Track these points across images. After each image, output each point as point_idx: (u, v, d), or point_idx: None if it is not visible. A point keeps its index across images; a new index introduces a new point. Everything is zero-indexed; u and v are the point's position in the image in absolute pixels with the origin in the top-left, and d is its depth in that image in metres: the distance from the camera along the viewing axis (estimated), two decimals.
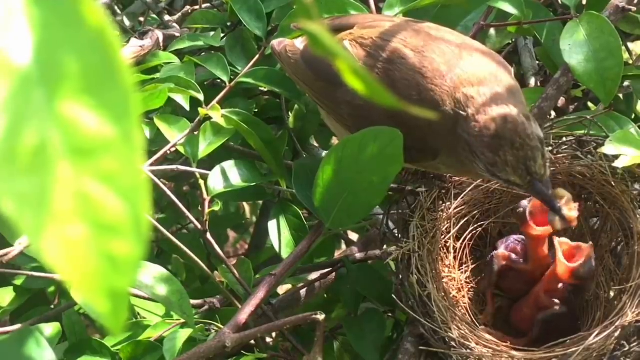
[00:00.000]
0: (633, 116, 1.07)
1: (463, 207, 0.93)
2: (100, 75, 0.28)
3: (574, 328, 0.86)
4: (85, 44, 0.28)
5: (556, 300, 0.88)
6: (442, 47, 0.80)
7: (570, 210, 0.78)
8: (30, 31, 0.28)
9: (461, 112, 0.76)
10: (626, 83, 1.04)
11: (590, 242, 0.87)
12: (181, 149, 0.92)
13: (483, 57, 0.81)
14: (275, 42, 0.91)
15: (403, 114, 0.71)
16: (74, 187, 0.27)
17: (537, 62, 1.07)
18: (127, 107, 0.28)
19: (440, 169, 0.84)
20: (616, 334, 0.80)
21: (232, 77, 0.99)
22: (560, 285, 0.88)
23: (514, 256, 0.90)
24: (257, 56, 0.99)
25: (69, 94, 0.28)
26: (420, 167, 0.87)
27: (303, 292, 0.98)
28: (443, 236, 0.90)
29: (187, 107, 0.94)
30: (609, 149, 0.83)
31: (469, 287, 0.93)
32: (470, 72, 0.78)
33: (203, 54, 1.07)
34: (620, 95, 1.08)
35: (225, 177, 0.91)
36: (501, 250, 0.91)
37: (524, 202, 0.87)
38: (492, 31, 1.04)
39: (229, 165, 0.92)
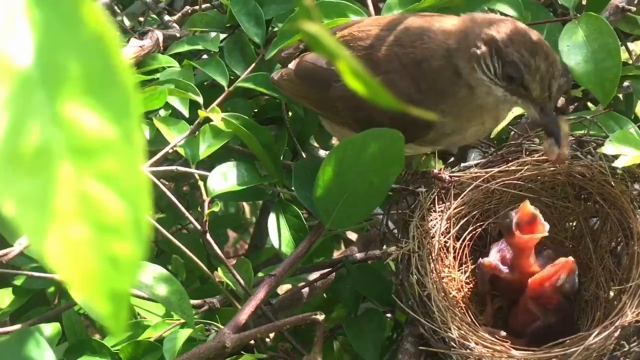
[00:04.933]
0: (633, 116, 1.07)
1: (463, 207, 0.92)
2: (101, 77, 0.28)
3: (570, 331, 0.86)
4: (86, 46, 0.28)
5: (546, 309, 0.88)
6: (413, 18, 0.84)
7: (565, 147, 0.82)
8: (32, 33, 0.28)
9: (453, 58, 0.79)
10: (626, 83, 1.04)
11: (571, 258, 0.87)
12: (181, 151, 0.92)
13: (455, 17, 0.84)
14: (273, 75, 0.95)
15: (391, 89, 0.74)
16: (76, 187, 0.27)
17: None
18: (127, 108, 0.28)
19: (446, 128, 0.83)
20: (616, 334, 0.80)
21: (231, 77, 0.99)
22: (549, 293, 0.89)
23: (501, 266, 0.90)
24: (255, 63, 1.00)
25: (70, 95, 0.28)
26: (429, 145, 0.88)
27: (303, 292, 0.98)
28: (443, 236, 0.90)
29: (185, 113, 0.94)
30: (608, 149, 0.83)
31: (469, 287, 0.93)
32: (446, 25, 0.82)
33: (204, 56, 1.07)
34: (620, 96, 1.08)
35: (225, 178, 0.92)
36: (487, 260, 0.91)
37: (512, 213, 0.87)
38: None
39: (229, 166, 0.93)
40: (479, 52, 0.78)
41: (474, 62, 0.79)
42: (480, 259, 0.92)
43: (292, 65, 0.92)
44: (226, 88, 0.98)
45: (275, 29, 1.01)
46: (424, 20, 0.84)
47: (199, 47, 1.04)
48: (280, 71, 0.94)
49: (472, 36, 0.79)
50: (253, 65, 1.00)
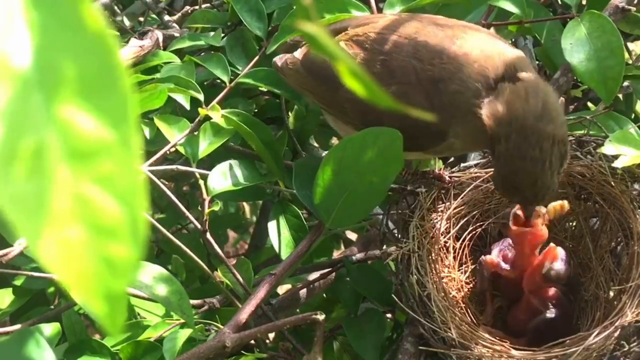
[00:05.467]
0: (633, 116, 1.07)
1: (463, 207, 0.93)
2: (99, 79, 0.28)
3: (569, 330, 0.86)
4: (84, 48, 0.28)
5: (548, 304, 0.88)
6: (434, 30, 0.82)
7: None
8: (30, 35, 0.28)
9: (470, 84, 0.77)
10: (626, 83, 1.04)
11: (552, 244, 0.88)
12: (181, 149, 0.92)
13: (478, 34, 0.82)
14: (276, 59, 0.93)
15: (404, 101, 0.73)
16: (72, 190, 0.27)
17: (537, 62, 1.07)
18: (125, 111, 0.28)
19: (453, 147, 0.83)
20: (616, 334, 0.80)
21: (232, 77, 0.99)
22: (552, 289, 0.89)
23: (502, 264, 0.90)
24: (257, 57, 1.00)
25: (67, 98, 0.28)
26: (436, 154, 0.88)
27: (303, 292, 0.98)
28: (443, 236, 0.90)
29: (187, 106, 0.94)
30: (608, 149, 0.83)
31: (469, 287, 0.93)
32: (467, 47, 0.79)
33: (203, 53, 1.07)
34: (620, 96, 1.08)
35: (225, 177, 0.91)
36: (489, 257, 0.91)
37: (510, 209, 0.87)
38: (492, 30, 1.04)
39: (229, 165, 0.92)
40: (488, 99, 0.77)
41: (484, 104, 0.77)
42: (482, 256, 0.92)
43: (298, 55, 0.90)
44: (227, 84, 0.97)
45: (277, 24, 1.01)
46: (445, 34, 0.81)
47: (201, 42, 1.03)
48: (284, 57, 0.92)
49: (492, 74, 0.77)
50: (255, 59, 1.00)
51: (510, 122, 0.74)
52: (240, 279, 0.88)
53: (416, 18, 0.85)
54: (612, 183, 0.89)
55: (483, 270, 0.91)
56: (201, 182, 0.89)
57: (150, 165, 0.89)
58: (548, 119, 0.74)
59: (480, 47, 0.79)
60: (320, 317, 0.81)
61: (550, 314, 0.88)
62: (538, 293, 0.89)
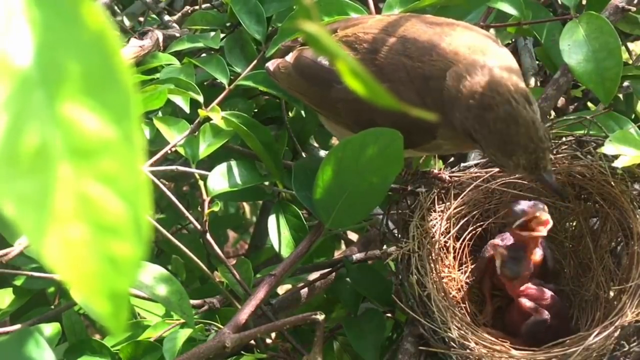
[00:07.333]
0: (633, 116, 1.07)
1: (463, 207, 0.92)
2: (101, 77, 0.28)
3: (567, 330, 0.86)
4: (85, 46, 0.28)
5: (538, 307, 0.88)
6: (423, 28, 0.82)
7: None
8: (31, 33, 0.28)
9: (458, 86, 0.77)
10: (626, 83, 1.04)
11: (496, 241, 0.89)
12: (181, 150, 0.92)
13: (467, 31, 0.83)
14: (269, 64, 0.93)
15: (395, 97, 0.73)
16: (75, 188, 0.27)
17: (537, 62, 1.08)
18: (127, 109, 0.28)
19: (442, 147, 0.83)
20: (616, 334, 0.80)
21: (231, 77, 0.99)
22: (544, 290, 0.89)
23: (501, 243, 0.91)
24: (256, 61, 1.00)
25: (69, 96, 0.28)
26: (425, 152, 0.88)
27: (303, 292, 0.98)
28: (443, 236, 0.90)
29: (187, 109, 0.94)
30: (608, 149, 0.83)
31: (469, 287, 0.93)
32: (456, 44, 0.79)
33: (203, 54, 1.07)
34: (620, 96, 1.08)
35: (225, 177, 0.91)
36: (497, 240, 0.91)
37: (521, 209, 0.87)
38: (491, 31, 1.04)
39: (229, 166, 0.92)
40: (473, 102, 0.77)
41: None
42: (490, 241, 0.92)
43: (289, 59, 0.91)
44: (227, 86, 0.97)
45: (276, 27, 1.01)
46: (433, 32, 0.81)
47: (200, 44, 1.03)
48: (276, 61, 0.92)
49: (479, 77, 0.77)
50: (254, 62, 1.00)
51: (492, 90, 0.75)
52: (240, 279, 0.88)
53: (405, 17, 0.85)
54: (612, 183, 0.89)
55: (485, 252, 0.91)
56: (201, 182, 0.89)
57: (151, 165, 0.89)
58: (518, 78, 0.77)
59: (468, 45, 0.80)
60: (320, 317, 0.81)
61: (542, 315, 0.88)
62: (528, 296, 0.89)
